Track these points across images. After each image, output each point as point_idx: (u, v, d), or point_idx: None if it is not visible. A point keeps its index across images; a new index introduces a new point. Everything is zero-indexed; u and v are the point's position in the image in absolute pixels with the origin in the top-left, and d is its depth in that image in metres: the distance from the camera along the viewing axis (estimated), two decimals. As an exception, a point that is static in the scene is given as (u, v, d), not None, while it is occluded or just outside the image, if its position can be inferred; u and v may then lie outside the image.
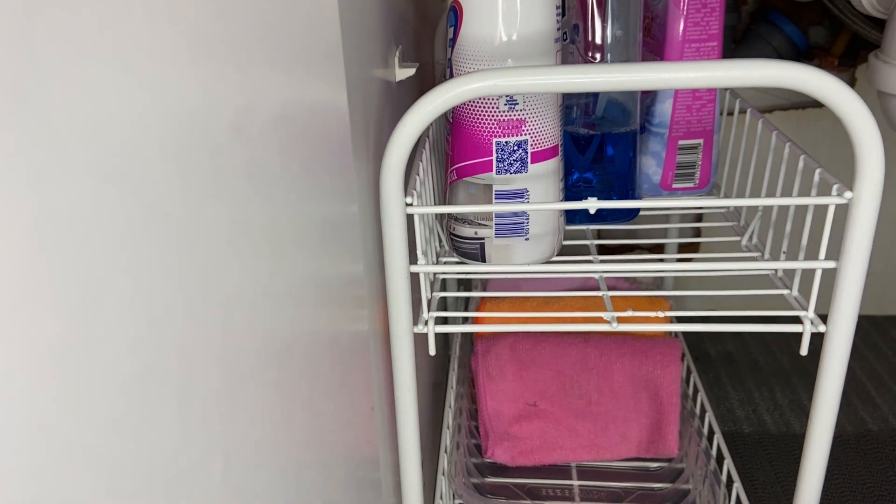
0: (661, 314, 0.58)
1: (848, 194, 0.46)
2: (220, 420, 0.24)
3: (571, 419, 0.80)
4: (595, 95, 0.64)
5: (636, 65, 0.44)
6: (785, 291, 0.54)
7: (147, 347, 0.20)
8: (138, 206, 0.19)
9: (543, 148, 0.54)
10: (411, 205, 0.48)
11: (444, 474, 0.75)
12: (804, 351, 0.51)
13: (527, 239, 0.56)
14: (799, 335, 0.51)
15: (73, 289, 0.16)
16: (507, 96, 0.52)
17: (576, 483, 0.80)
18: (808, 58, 1.14)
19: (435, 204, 0.60)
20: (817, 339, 0.50)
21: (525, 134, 0.53)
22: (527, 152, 0.53)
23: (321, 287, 0.37)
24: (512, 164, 0.53)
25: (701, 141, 0.69)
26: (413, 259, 0.50)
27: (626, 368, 0.79)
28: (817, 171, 0.52)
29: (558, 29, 0.53)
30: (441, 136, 0.67)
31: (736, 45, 1.15)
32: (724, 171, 0.72)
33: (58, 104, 0.16)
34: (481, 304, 0.83)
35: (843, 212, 0.47)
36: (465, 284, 1.01)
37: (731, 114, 0.70)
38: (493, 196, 0.54)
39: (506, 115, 0.52)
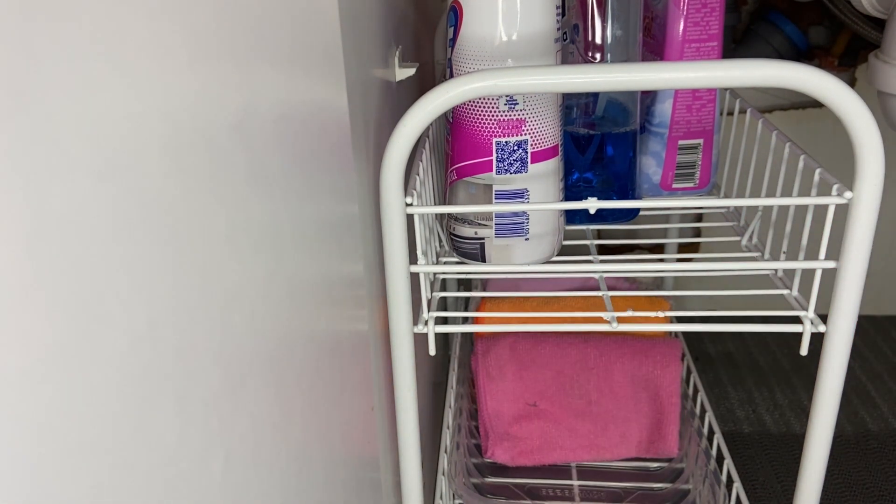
0: (661, 314, 0.58)
1: (848, 194, 0.46)
2: (220, 420, 0.24)
3: (571, 419, 0.80)
4: (595, 95, 0.64)
5: (636, 65, 0.44)
6: (785, 291, 0.54)
7: (146, 347, 0.20)
8: (137, 206, 0.19)
9: (543, 148, 0.54)
10: (411, 205, 0.48)
11: (444, 474, 0.75)
12: (804, 351, 0.51)
13: (527, 239, 0.56)
14: (799, 335, 0.51)
15: (72, 288, 0.16)
16: (507, 96, 0.52)
17: (576, 483, 0.80)
18: (808, 58, 1.14)
19: (435, 204, 0.60)
20: (817, 339, 0.50)
21: (525, 134, 0.53)
22: (527, 152, 0.53)
23: (321, 287, 0.37)
24: (512, 164, 0.53)
25: (701, 141, 0.69)
26: (413, 259, 0.50)
27: (626, 368, 0.79)
28: (817, 171, 0.52)
29: (558, 29, 0.53)
30: (441, 136, 0.67)
31: (736, 45, 1.15)
32: (724, 171, 0.72)
33: (56, 104, 0.16)
34: (481, 304, 0.83)
35: (843, 212, 0.47)
36: (465, 284, 1.01)
37: (731, 114, 0.70)
38: (493, 196, 0.54)
39: (506, 115, 0.52)
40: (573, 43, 0.61)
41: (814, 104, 1.16)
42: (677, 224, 0.99)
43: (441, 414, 0.87)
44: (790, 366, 1.18)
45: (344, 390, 0.41)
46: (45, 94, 0.15)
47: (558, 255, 0.59)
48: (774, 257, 0.57)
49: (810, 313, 0.51)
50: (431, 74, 0.81)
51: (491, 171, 0.53)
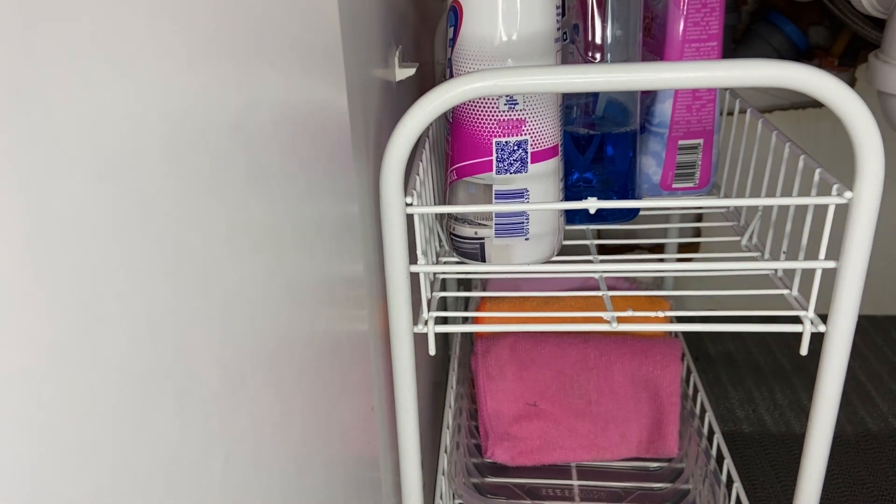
0: (661, 314, 0.58)
1: (848, 194, 0.46)
2: (220, 420, 0.24)
3: (571, 419, 0.80)
4: (595, 95, 0.64)
5: (636, 65, 0.44)
6: (785, 291, 0.54)
7: (146, 347, 0.20)
8: (137, 206, 0.19)
9: (543, 148, 0.54)
10: (411, 205, 0.48)
11: (444, 474, 0.75)
12: (804, 351, 0.51)
13: (527, 239, 0.56)
14: (799, 335, 0.51)
15: (72, 289, 0.16)
16: (507, 96, 0.52)
17: (576, 483, 0.80)
18: (808, 58, 1.14)
19: (435, 204, 0.60)
20: (817, 339, 0.50)
21: (525, 134, 0.53)
22: (527, 152, 0.53)
23: (321, 287, 0.37)
24: (512, 164, 0.53)
25: (701, 141, 0.69)
26: (413, 259, 0.50)
27: (626, 368, 0.79)
28: (817, 171, 0.52)
29: (558, 29, 0.53)
30: (441, 136, 0.67)
31: (736, 45, 1.15)
32: (724, 171, 0.72)
33: (56, 104, 0.16)
34: (481, 304, 0.83)
35: (843, 212, 0.47)
36: (465, 284, 1.01)
37: (731, 114, 0.70)
38: (493, 196, 0.54)
39: (506, 115, 0.52)
40: (573, 43, 0.61)
41: (814, 104, 1.16)
42: (677, 224, 0.99)
43: (441, 414, 0.87)
44: (790, 366, 1.18)
45: (344, 390, 0.41)
46: (45, 94, 0.15)
47: (558, 255, 0.59)
48: (774, 257, 0.57)
49: (810, 313, 0.51)
50: (431, 74, 0.81)
51: (491, 171, 0.53)
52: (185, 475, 0.22)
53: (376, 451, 0.50)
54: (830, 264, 0.49)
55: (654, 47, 0.68)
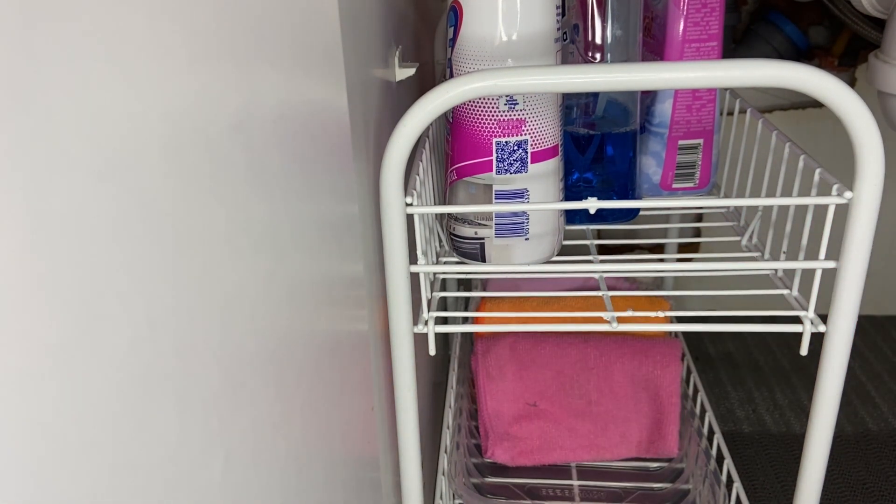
0: (661, 314, 0.58)
1: (848, 194, 0.46)
2: (220, 420, 0.24)
3: (571, 419, 0.80)
4: (595, 95, 0.64)
5: (636, 65, 0.44)
6: (785, 291, 0.54)
7: (146, 347, 0.20)
8: (137, 206, 0.19)
9: (543, 148, 0.54)
10: (411, 205, 0.48)
11: (444, 474, 0.75)
12: (804, 351, 0.51)
13: (527, 239, 0.56)
14: (799, 335, 0.51)
15: (72, 289, 0.16)
16: (507, 96, 0.52)
17: (576, 483, 0.80)
18: (808, 58, 1.14)
19: (435, 204, 0.60)
20: (817, 339, 0.50)
21: (525, 134, 0.53)
22: (527, 152, 0.53)
23: (321, 287, 0.37)
24: (512, 164, 0.53)
25: (701, 141, 0.69)
26: (413, 259, 0.50)
27: (626, 368, 0.79)
28: (817, 171, 0.52)
29: (558, 29, 0.53)
30: (441, 136, 0.67)
31: (736, 45, 1.15)
32: (724, 171, 0.72)
33: (56, 104, 0.16)
34: (481, 304, 0.83)
35: (843, 212, 0.47)
36: (465, 284, 1.01)
37: (731, 114, 0.70)
38: (493, 196, 0.54)
39: (506, 115, 0.52)
40: (573, 43, 0.61)
41: (814, 104, 1.16)
42: (677, 224, 0.99)
43: (441, 414, 0.87)
44: (790, 366, 1.18)
45: (344, 390, 0.41)
46: (45, 94, 0.15)
47: (558, 255, 0.59)
48: (774, 257, 0.57)
49: (810, 313, 0.51)
50: (431, 74, 0.81)
51: (491, 171, 0.53)
52: (185, 475, 0.22)
53: (376, 451, 0.50)
54: (830, 264, 0.49)
55: (654, 47, 0.68)
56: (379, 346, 0.51)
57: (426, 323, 0.52)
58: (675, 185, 0.70)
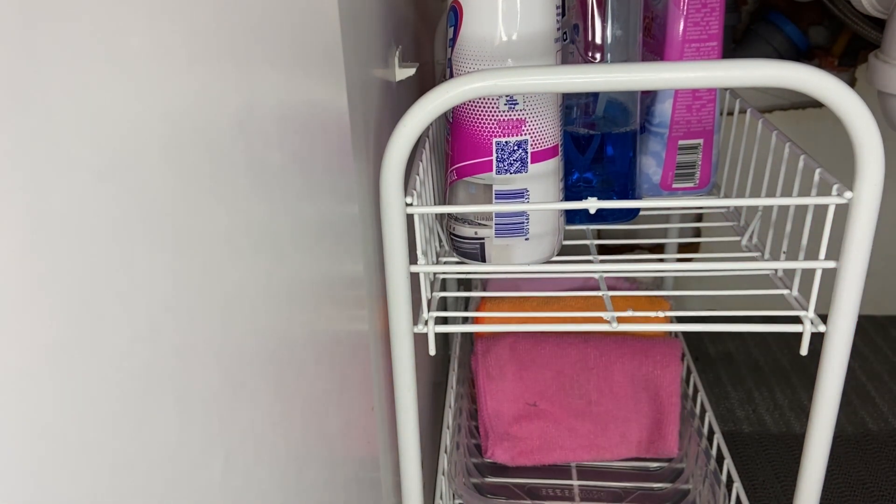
0: (661, 314, 0.58)
1: (848, 194, 0.46)
2: (220, 420, 0.24)
3: (571, 419, 0.80)
4: (595, 95, 0.64)
5: (636, 65, 0.44)
6: (785, 291, 0.54)
7: (146, 347, 0.20)
8: (137, 206, 0.19)
9: (543, 148, 0.54)
10: (411, 205, 0.48)
11: (444, 474, 0.75)
12: (804, 351, 0.51)
13: (527, 239, 0.56)
14: (799, 335, 0.51)
15: (72, 288, 0.16)
16: (507, 96, 0.52)
17: (576, 483, 0.80)
18: (808, 58, 1.14)
19: (435, 204, 0.60)
20: (817, 339, 0.50)
21: (525, 134, 0.53)
22: (527, 152, 0.53)
23: (321, 287, 0.37)
24: (512, 164, 0.53)
25: (701, 141, 0.69)
26: (413, 259, 0.50)
27: (626, 368, 0.79)
28: (817, 171, 0.52)
29: (558, 29, 0.53)
30: (441, 136, 0.67)
31: (736, 45, 1.15)
32: (724, 171, 0.72)
33: (57, 104, 0.16)
34: (481, 304, 0.83)
35: (843, 212, 0.47)
36: (465, 284, 1.01)
37: (731, 114, 0.70)
38: (493, 196, 0.54)
39: (506, 115, 0.52)
40: (573, 43, 0.61)
41: (814, 104, 1.16)
42: (677, 224, 0.99)
43: (441, 414, 0.87)
44: (790, 366, 1.18)
45: (344, 390, 0.41)
46: (45, 94, 0.15)
47: (558, 255, 0.59)
48: (774, 257, 0.57)
49: (810, 313, 0.51)
50: (431, 74, 0.81)
51: (491, 171, 0.53)
52: (185, 475, 0.22)
53: (376, 451, 0.50)
54: (830, 264, 0.49)
55: (654, 47, 0.68)
56: (379, 346, 0.51)
57: (426, 323, 0.52)
58: (675, 185, 0.70)
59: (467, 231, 0.56)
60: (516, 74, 0.44)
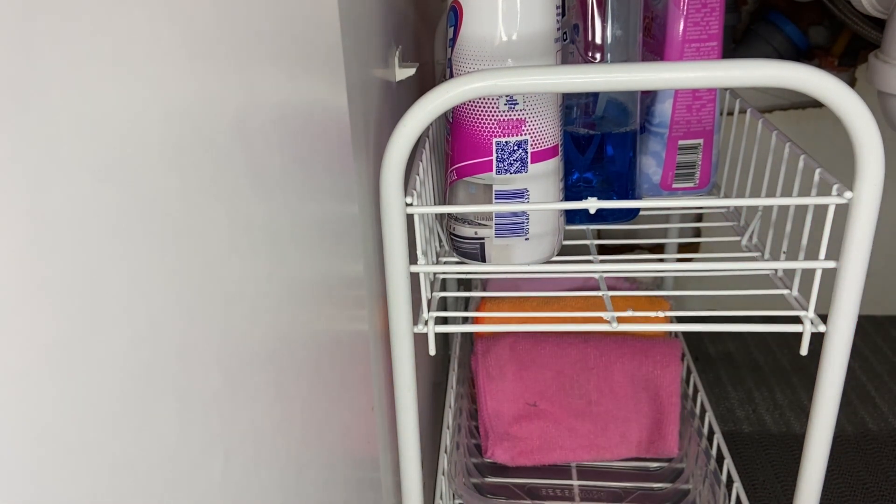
0: (661, 314, 0.58)
1: (848, 194, 0.46)
2: (220, 420, 0.24)
3: (571, 419, 0.80)
4: (595, 95, 0.64)
5: (636, 65, 0.44)
6: (785, 291, 0.54)
7: (146, 347, 0.20)
8: (137, 206, 0.19)
9: (543, 148, 0.54)
10: (411, 205, 0.48)
11: (444, 474, 0.75)
12: (804, 351, 0.51)
13: (527, 239, 0.56)
14: (799, 335, 0.51)
15: (72, 289, 0.16)
16: (507, 96, 0.52)
17: (576, 483, 0.80)
18: (808, 58, 1.14)
19: (435, 204, 0.60)
20: (817, 339, 0.50)
21: (525, 134, 0.53)
22: (527, 152, 0.53)
23: (321, 287, 0.37)
24: (512, 164, 0.53)
25: (701, 141, 0.69)
26: (413, 259, 0.50)
27: (626, 368, 0.79)
28: (817, 171, 0.52)
29: (558, 29, 0.53)
30: (441, 136, 0.67)
31: (736, 45, 1.15)
32: (724, 171, 0.72)
33: (57, 104, 0.16)
34: (481, 304, 0.83)
35: (843, 212, 0.47)
36: (465, 284, 1.01)
37: (731, 114, 0.70)
38: (493, 196, 0.54)
39: (506, 115, 0.52)
40: (573, 43, 0.61)
41: (814, 104, 1.16)
42: (677, 224, 0.99)
43: (441, 414, 0.87)
44: (790, 366, 1.18)
45: (344, 390, 0.41)
46: (45, 94, 0.15)
47: (558, 255, 0.59)
48: (774, 257, 0.57)
49: (810, 313, 0.51)
50: (431, 74, 0.81)
51: (491, 171, 0.53)
52: (185, 475, 0.22)
53: (376, 451, 0.50)
54: (830, 264, 0.49)
55: (654, 47, 0.68)
56: (379, 346, 0.51)
57: (426, 323, 0.52)
58: (675, 185, 0.70)
59: (467, 231, 0.56)
60: (516, 74, 0.44)
